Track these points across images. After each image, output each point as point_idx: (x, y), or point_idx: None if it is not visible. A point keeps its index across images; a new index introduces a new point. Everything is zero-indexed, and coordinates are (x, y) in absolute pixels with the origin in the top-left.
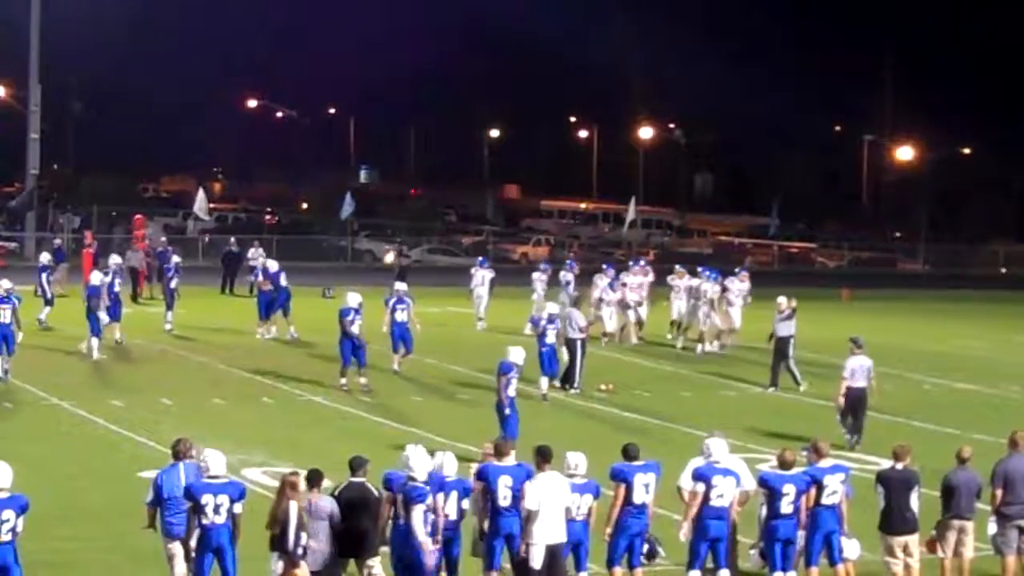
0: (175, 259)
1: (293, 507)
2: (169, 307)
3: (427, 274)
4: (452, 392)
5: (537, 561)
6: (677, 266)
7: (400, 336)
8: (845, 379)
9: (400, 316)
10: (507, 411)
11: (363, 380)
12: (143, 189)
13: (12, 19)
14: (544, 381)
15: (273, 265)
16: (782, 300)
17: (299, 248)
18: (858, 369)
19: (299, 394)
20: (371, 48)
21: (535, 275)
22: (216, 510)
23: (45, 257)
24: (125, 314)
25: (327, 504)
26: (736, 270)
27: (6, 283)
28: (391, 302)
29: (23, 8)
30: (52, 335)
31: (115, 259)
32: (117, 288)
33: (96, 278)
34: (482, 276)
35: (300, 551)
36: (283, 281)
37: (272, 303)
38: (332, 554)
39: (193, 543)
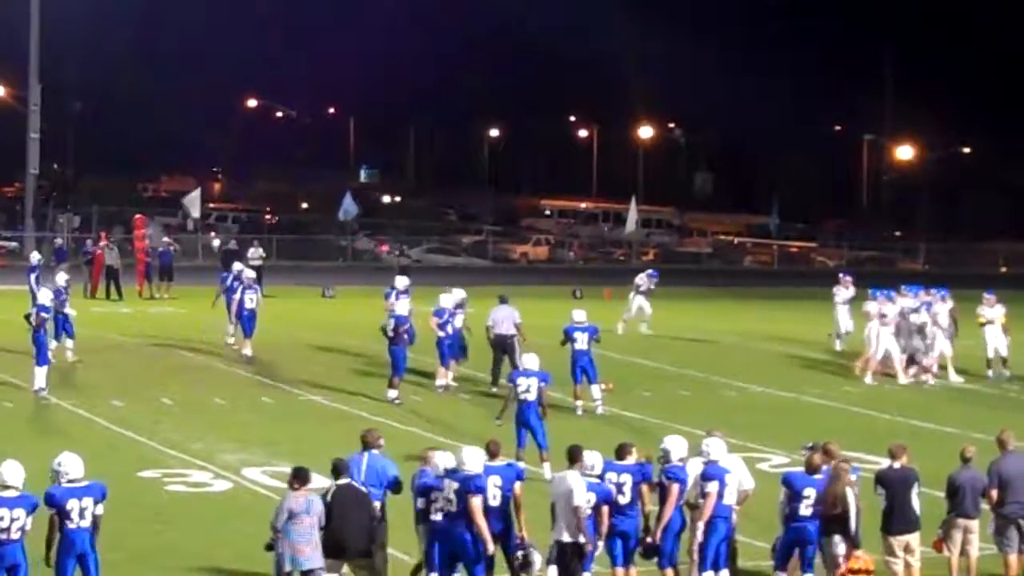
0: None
1: (851, 492)
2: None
3: (427, 274)
4: (452, 391)
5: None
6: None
7: (459, 346)
8: None
9: (457, 323)
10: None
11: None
12: (143, 189)
13: (12, 19)
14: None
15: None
16: None
17: (299, 248)
18: None
19: (299, 394)
20: (371, 48)
21: (837, 288)
22: (81, 514)
23: (35, 257)
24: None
25: (320, 504)
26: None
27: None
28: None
29: (23, 8)
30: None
31: (239, 267)
32: (252, 305)
33: (60, 279)
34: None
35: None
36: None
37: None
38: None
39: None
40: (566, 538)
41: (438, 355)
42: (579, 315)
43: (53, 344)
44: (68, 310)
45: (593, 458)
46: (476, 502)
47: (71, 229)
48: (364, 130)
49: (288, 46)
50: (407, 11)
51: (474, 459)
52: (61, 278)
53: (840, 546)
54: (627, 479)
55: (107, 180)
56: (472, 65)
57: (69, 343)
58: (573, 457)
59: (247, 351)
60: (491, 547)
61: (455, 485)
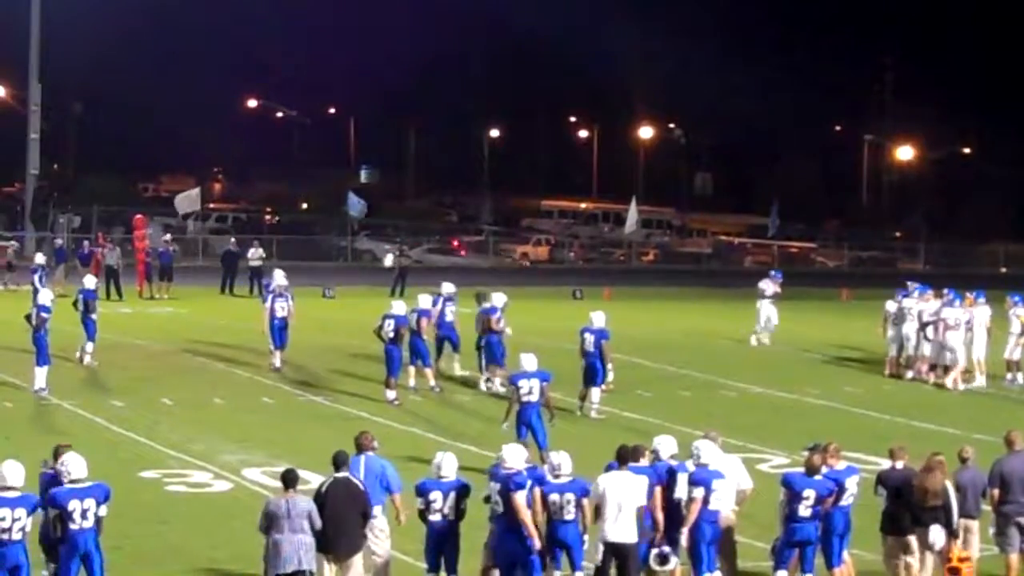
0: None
1: (949, 485)
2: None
3: (427, 274)
4: (452, 392)
5: (597, 558)
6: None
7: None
8: None
9: (500, 326)
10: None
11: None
12: (143, 189)
13: (12, 19)
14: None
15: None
16: None
17: (299, 248)
18: None
19: (299, 394)
20: (371, 48)
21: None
22: (83, 515)
23: (40, 258)
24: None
25: (305, 503)
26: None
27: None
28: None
29: (23, 8)
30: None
31: (279, 278)
32: (283, 313)
33: (90, 282)
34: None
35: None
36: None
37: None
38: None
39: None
40: (620, 539)
41: (416, 357)
42: (594, 317)
43: (90, 347)
44: (93, 315)
45: (560, 458)
46: (519, 498)
47: (71, 229)
48: (364, 130)
49: (288, 46)
50: (407, 11)
51: (515, 456)
52: (90, 281)
53: (940, 535)
54: (643, 481)
55: (107, 180)
56: (472, 65)
57: (89, 347)
58: (625, 457)
59: (276, 362)
60: (538, 543)
61: (497, 486)
